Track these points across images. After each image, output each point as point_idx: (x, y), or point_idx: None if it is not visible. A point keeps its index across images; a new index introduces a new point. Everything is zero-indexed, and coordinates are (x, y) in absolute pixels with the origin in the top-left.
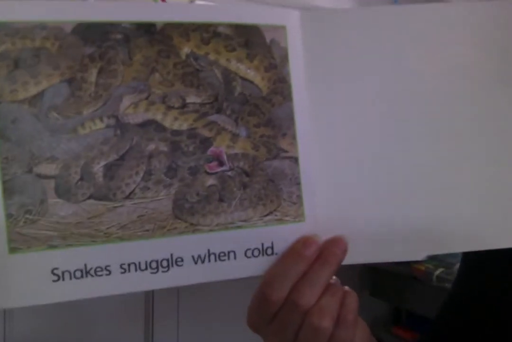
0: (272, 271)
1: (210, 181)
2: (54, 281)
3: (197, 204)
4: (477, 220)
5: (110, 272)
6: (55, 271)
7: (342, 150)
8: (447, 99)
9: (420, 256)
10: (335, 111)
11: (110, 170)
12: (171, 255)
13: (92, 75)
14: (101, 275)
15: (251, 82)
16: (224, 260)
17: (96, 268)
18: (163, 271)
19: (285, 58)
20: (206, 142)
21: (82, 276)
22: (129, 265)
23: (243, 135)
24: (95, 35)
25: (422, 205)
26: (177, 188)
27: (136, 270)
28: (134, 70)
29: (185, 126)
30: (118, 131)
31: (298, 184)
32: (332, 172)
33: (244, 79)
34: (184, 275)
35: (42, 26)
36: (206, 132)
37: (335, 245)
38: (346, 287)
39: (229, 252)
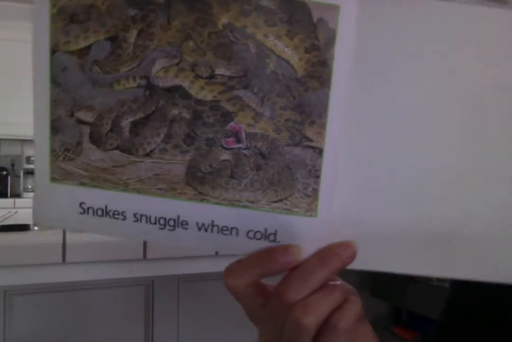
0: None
1: (225, 156)
2: (81, 213)
3: (208, 175)
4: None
5: (125, 218)
6: (82, 205)
7: (373, 150)
8: (495, 106)
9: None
10: (374, 108)
11: (136, 127)
12: (178, 217)
13: (132, 36)
14: (117, 218)
15: (287, 61)
16: (226, 235)
17: (114, 211)
18: (169, 229)
19: (331, 40)
20: (227, 117)
21: (102, 215)
22: (141, 215)
23: (266, 115)
24: None
25: (447, 216)
26: (193, 156)
27: (146, 222)
28: (171, 35)
29: (209, 97)
30: (147, 92)
31: (318, 177)
32: (358, 171)
33: (279, 57)
34: (188, 238)
35: None
36: (229, 107)
37: (342, 247)
38: (354, 296)
39: (231, 228)
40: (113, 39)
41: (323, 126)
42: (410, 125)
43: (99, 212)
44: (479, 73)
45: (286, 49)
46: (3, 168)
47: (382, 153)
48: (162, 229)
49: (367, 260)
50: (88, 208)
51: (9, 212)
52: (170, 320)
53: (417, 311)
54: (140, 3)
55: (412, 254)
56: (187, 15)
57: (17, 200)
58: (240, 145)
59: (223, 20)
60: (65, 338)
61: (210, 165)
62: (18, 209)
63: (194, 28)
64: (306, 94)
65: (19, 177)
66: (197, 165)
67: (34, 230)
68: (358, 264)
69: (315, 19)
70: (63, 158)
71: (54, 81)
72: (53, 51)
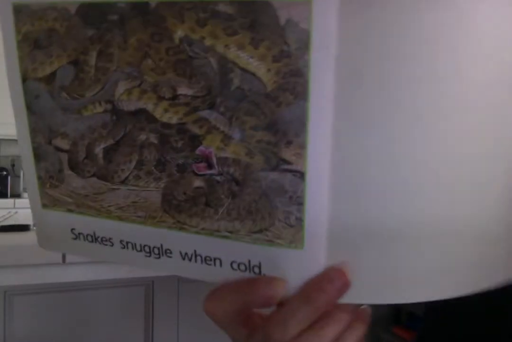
0: None
1: (198, 182)
2: (73, 238)
3: (184, 203)
4: None
5: (112, 244)
6: (74, 231)
7: (364, 172)
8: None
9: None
10: (363, 121)
11: (108, 153)
12: (161, 245)
13: (92, 58)
14: (106, 245)
15: (253, 74)
16: (210, 265)
17: (102, 237)
18: (155, 257)
19: (304, 44)
20: (195, 140)
21: (92, 241)
22: (127, 242)
23: (236, 137)
24: (94, 17)
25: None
26: (166, 183)
27: (132, 249)
28: (129, 54)
29: (175, 120)
30: (114, 117)
31: (301, 204)
32: (348, 197)
33: (244, 70)
34: (173, 266)
35: (53, 7)
36: (196, 129)
37: (326, 280)
38: (357, 322)
39: (215, 258)
40: (75, 63)
41: (302, 146)
42: (407, 143)
43: (89, 238)
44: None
45: (251, 60)
46: (3, 169)
47: (379, 180)
48: (148, 256)
49: (361, 293)
50: (79, 234)
51: (9, 212)
52: (170, 320)
53: (417, 311)
54: (96, 22)
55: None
56: (142, 31)
57: (17, 200)
58: (212, 171)
59: (179, 33)
60: (65, 338)
61: (185, 193)
62: (18, 209)
63: (150, 45)
64: (278, 111)
65: (19, 177)
66: (171, 192)
67: (34, 230)
68: (350, 298)
69: (282, 20)
70: (49, 185)
71: (29, 109)
72: (24, 79)
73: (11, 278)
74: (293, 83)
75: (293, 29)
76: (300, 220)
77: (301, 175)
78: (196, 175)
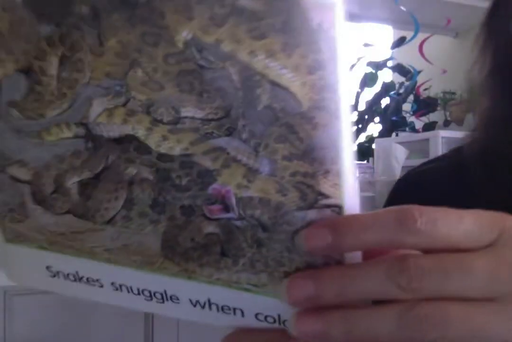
0: None
1: (210, 228)
2: (51, 276)
3: (192, 250)
4: None
5: (102, 285)
6: (50, 269)
7: None
8: None
9: None
10: None
11: (86, 188)
12: (165, 291)
13: (52, 65)
14: (94, 285)
15: (286, 89)
16: (229, 314)
17: (88, 277)
18: (157, 302)
19: (334, 53)
20: (207, 177)
21: (75, 280)
22: (120, 285)
23: (264, 171)
24: (52, 8)
25: None
26: (166, 227)
27: (128, 292)
28: (107, 62)
29: (177, 151)
30: (90, 144)
31: None
32: None
33: (275, 84)
34: (182, 311)
35: None
36: (207, 162)
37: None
38: None
39: (234, 308)
40: (27, 71)
41: (338, 174)
42: None
43: (71, 277)
44: None
45: (283, 71)
46: None
47: None
48: (149, 300)
49: None
50: (57, 272)
51: None
52: (170, 322)
53: None
54: (55, 16)
55: None
56: (128, 30)
57: None
58: (229, 214)
59: (184, 34)
60: (65, 338)
61: (192, 239)
62: None
63: (140, 49)
64: (315, 134)
65: None
66: (174, 238)
67: None
68: None
69: (314, 24)
70: (10, 219)
71: None
72: None
73: None
74: (329, 99)
75: (324, 35)
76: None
77: (339, 210)
78: (208, 219)
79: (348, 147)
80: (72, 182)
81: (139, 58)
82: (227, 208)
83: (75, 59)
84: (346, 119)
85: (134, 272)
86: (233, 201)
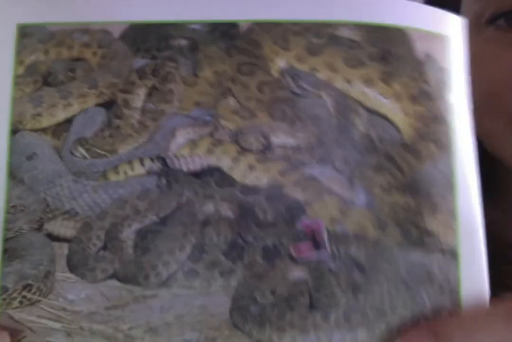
0: None
1: (297, 272)
2: None
3: (271, 308)
4: None
5: None
6: None
7: None
8: None
9: None
10: None
11: (145, 238)
12: None
13: (139, 97)
14: None
15: (385, 118)
16: None
17: None
18: None
19: (444, 84)
20: (296, 210)
21: None
22: None
23: (361, 203)
24: (150, 41)
25: None
26: (241, 278)
27: None
28: (199, 92)
29: (264, 181)
30: (164, 181)
31: (455, 294)
32: None
33: (372, 112)
34: None
35: (84, 29)
36: (297, 194)
37: None
38: None
39: None
40: (108, 105)
41: (452, 213)
42: None
43: None
44: None
45: (383, 99)
46: None
47: None
48: None
49: None
50: None
51: None
52: None
53: None
54: (152, 49)
55: None
56: (224, 60)
57: None
58: (321, 253)
59: (280, 63)
60: None
61: (273, 292)
62: None
63: (235, 79)
64: (419, 167)
65: None
66: (250, 293)
67: None
68: None
69: (420, 54)
70: (20, 302)
71: (14, 177)
72: (14, 130)
73: None
74: (438, 132)
75: (433, 66)
76: None
77: (453, 254)
78: (295, 261)
79: (466, 183)
80: (130, 231)
81: (232, 87)
82: (317, 246)
83: (166, 90)
84: (462, 154)
85: None
86: (325, 236)
